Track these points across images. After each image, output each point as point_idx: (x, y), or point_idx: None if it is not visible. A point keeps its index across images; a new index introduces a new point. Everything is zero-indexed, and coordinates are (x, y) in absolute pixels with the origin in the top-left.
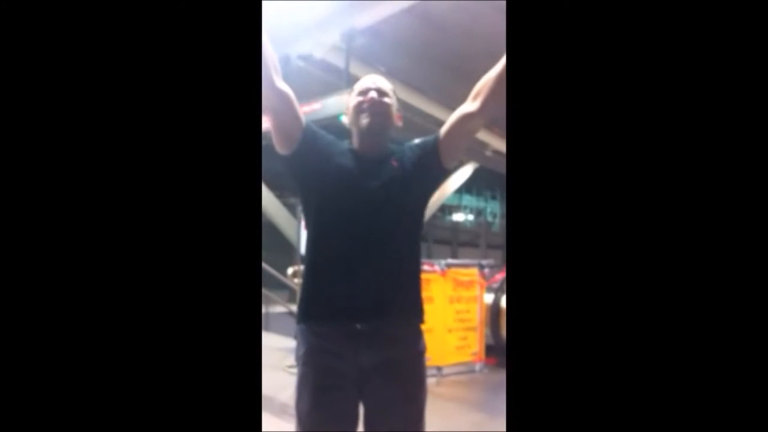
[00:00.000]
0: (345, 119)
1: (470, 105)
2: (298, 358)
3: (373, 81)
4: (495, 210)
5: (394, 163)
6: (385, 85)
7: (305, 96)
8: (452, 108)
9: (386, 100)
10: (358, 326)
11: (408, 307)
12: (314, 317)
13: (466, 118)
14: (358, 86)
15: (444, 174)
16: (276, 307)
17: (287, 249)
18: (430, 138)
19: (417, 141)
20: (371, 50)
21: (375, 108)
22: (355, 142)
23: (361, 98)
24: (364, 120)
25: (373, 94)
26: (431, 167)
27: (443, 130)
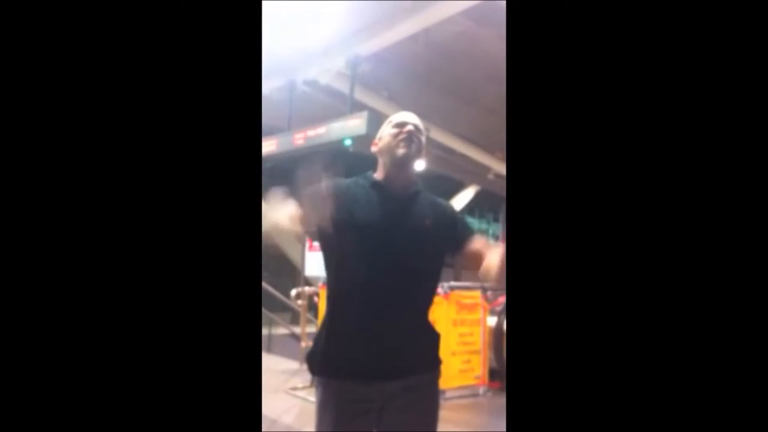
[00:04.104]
0: (374, 148)
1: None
2: (318, 383)
3: (411, 117)
4: (497, 232)
5: (423, 207)
6: (420, 124)
7: (310, 121)
8: (454, 132)
9: (421, 137)
10: (378, 376)
11: (429, 347)
12: (333, 372)
13: (487, 271)
14: (396, 119)
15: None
16: (278, 329)
17: (291, 271)
18: (466, 234)
19: (456, 215)
20: (375, 76)
21: (411, 139)
22: (381, 171)
23: (398, 130)
24: (401, 151)
25: (410, 128)
26: (449, 248)
27: (474, 248)
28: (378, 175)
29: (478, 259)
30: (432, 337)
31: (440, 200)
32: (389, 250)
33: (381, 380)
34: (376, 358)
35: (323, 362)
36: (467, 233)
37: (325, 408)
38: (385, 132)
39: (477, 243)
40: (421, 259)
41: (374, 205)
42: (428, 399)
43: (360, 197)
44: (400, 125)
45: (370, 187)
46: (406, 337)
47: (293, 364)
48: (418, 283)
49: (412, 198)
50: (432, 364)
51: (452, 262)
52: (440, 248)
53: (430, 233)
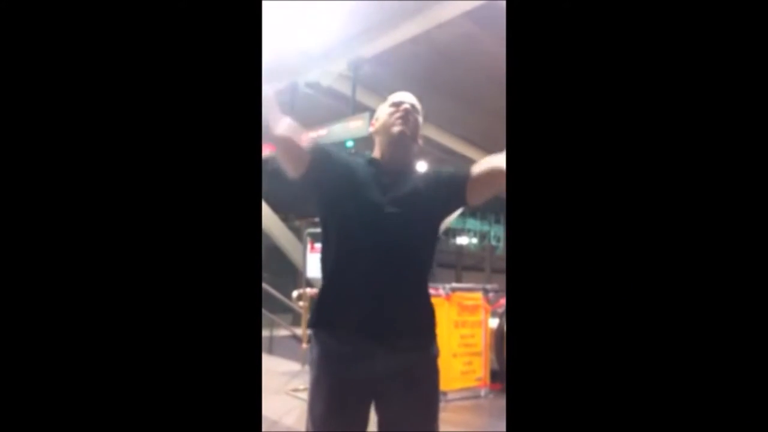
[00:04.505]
0: (371, 128)
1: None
2: (311, 362)
3: (407, 96)
4: (499, 234)
5: (417, 179)
6: (417, 104)
7: (312, 122)
8: (455, 134)
9: (417, 116)
10: (374, 338)
11: (423, 319)
12: (329, 324)
13: (498, 173)
14: (393, 98)
15: (464, 207)
16: (280, 331)
17: (292, 272)
18: (461, 171)
19: (448, 169)
20: (377, 78)
21: (408, 118)
22: (378, 151)
23: (394, 108)
24: (396, 128)
25: (407, 106)
26: (453, 196)
27: (475, 171)
28: (375, 154)
29: (487, 178)
30: (425, 310)
31: (448, 169)
32: (383, 225)
33: (366, 332)
34: (363, 311)
35: (319, 316)
36: (463, 174)
37: (318, 386)
38: (382, 112)
39: (478, 168)
40: (415, 233)
41: (370, 179)
42: (427, 380)
43: (357, 170)
44: (397, 104)
45: (367, 164)
46: (399, 306)
47: (295, 366)
48: (412, 255)
49: (409, 173)
50: (427, 338)
51: (472, 201)
52: (438, 216)
53: (425, 204)
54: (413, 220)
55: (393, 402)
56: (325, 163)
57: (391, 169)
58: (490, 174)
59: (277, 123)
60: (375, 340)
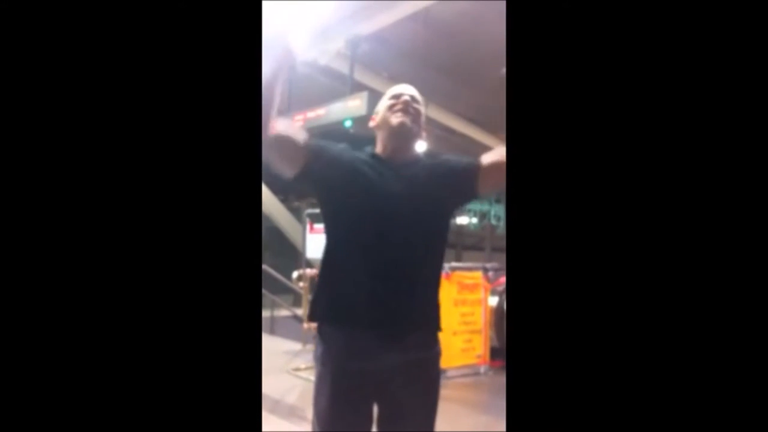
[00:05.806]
0: (371, 123)
1: None
2: (316, 358)
3: (407, 88)
4: (499, 213)
5: (423, 170)
6: (417, 95)
7: (309, 102)
8: (455, 112)
9: (417, 106)
10: (378, 332)
11: (427, 315)
12: (333, 319)
13: None
14: (392, 91)
15: (474, 198)
16: (281, 311)
17: (292, 253)
18: (470, 160)
19: (455, 157)
20: (375, 56)
21: (407, 109)
22: (380, 145)
23: (393, 101)
24: (395, 120)
25: (406, 98)
26: (464, 187)
27: (486, 161)
28: (377, 149)
29: (500, 169)
30: (433, 308)
31: (443, 155)
32: (388, 218)
33: (370, 326)
34: (366, 305)
35: (316, 309)
36: (474, 164)
37: (323, 381)
38: (382, 106)
39: (489, 158)
40: (423, 225)
41: (372, 172)
42: (429, 376)
43: (358, 164)
44: (396, 96)
45: (369, 158)
46: (407, 302)
47: (296, 345)
48: (421, 249)
49: (412, 164)
50: (433, 336)
51: (483, 192)
52: (448, 208)
53: (433, 196)
54: (421, 212)
55: (394, 397)
56: (321, 160)
57: (394, 162)
58: (504, 165)
59: (273, 121)
60: (381, 336)
